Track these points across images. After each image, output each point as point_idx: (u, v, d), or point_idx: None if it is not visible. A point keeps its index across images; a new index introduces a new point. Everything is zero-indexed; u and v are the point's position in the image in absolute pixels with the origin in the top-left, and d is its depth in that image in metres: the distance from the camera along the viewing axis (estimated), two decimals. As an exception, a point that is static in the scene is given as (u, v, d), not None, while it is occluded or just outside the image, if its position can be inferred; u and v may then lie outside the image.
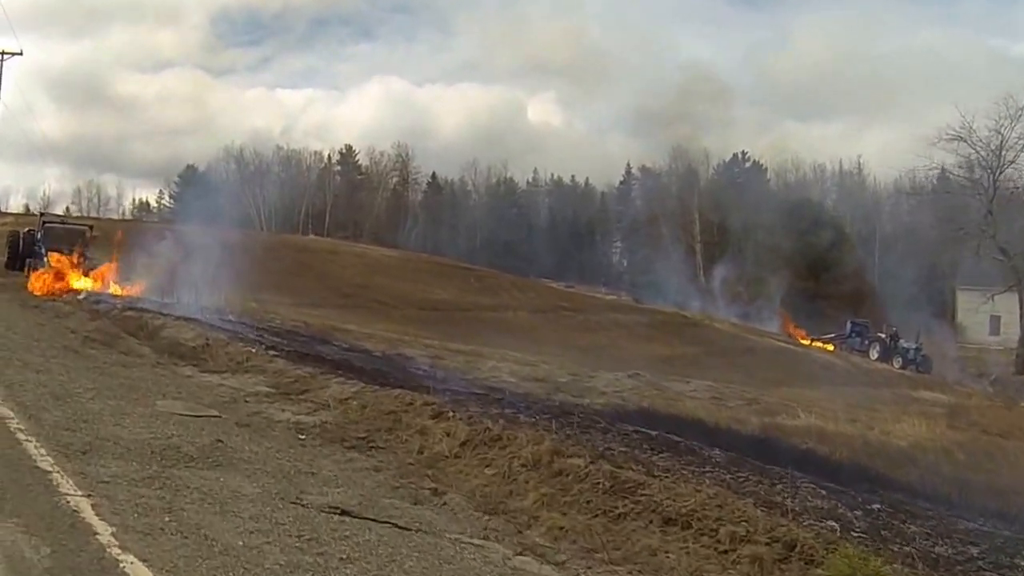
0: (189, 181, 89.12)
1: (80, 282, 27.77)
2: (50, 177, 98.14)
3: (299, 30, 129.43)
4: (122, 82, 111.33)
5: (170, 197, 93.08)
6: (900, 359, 42.14)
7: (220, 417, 8.98)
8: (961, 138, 46.54)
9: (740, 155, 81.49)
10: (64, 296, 25.19)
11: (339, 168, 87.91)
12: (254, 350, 14.35)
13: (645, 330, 36.85)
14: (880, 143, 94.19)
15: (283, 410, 10.13)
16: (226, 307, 23.25)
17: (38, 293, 25.97)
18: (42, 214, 35.00)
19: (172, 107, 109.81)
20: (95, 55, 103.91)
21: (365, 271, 37.93)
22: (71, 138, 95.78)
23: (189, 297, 24.91)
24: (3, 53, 41.18)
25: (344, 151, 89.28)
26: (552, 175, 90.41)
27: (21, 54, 41.36)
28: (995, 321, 55.89)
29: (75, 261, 30.16)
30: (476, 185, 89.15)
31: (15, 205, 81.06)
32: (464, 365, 17.53)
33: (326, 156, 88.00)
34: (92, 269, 28.84)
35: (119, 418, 8.21)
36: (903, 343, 43.31)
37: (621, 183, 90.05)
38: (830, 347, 46.46)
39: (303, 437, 9.04)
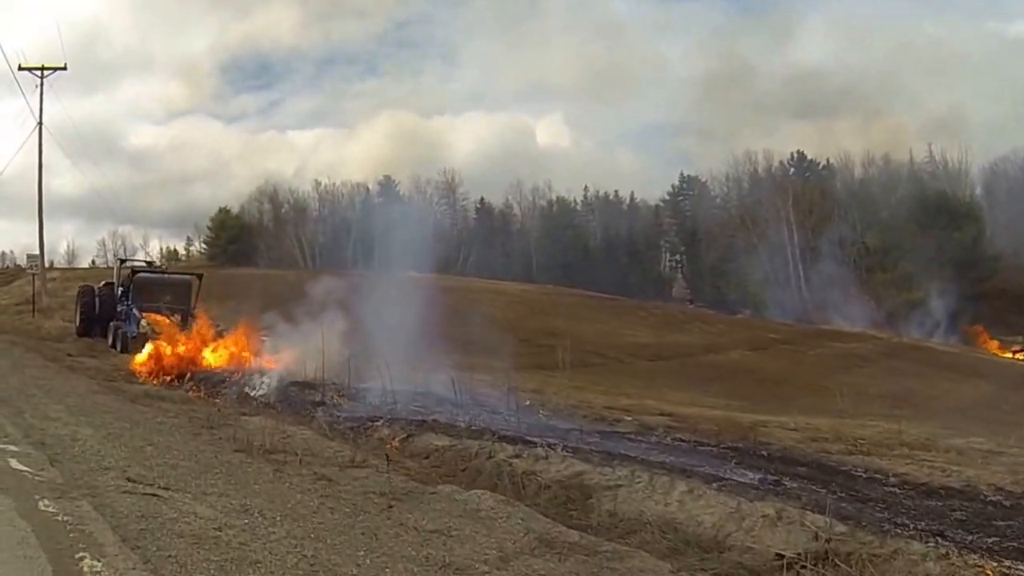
0: (224, 224, 78.16)
1: (212, 355, 17.05)
2: (69, 231, 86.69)
3: (306, 72, 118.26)
4: (135, 134, 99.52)
5: (203, 242, 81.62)
6: None
7: None
8: None
9: (796, 154, 71.89)
10: (193, 378, 14.58)
11: (381, 199, 77.25)
12: None
13: (893, 362, 26.67)
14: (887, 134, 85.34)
15: None
16: (505, 393, 12.67)
17: (151, 376, 15.32)
18: (123, 261, 23.96)
19: (186, 156, 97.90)
20: (107, 109, 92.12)
21: (528, 313, 27.39)
22: (85, 192, 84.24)
23: (396, 374, 14.00)
24: (43, 68, 30.29)
25: (383, 181, 78.81)
26: (598, 192, 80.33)
27: (65, 68, 30.44)
28: None
29: (189, 325, 19.56)
30: (523, 208, 78.98)
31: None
32: None
33: (367, 188, 77.67)
34: (222, 335, 18.06)
35: None
36: None
37: (670, 195, 79.96)
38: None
39: None
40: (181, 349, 17.23)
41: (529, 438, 9.03)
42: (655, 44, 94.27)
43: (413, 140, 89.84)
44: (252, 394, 12.39)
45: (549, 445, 8.64)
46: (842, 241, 56.32)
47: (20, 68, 29.89)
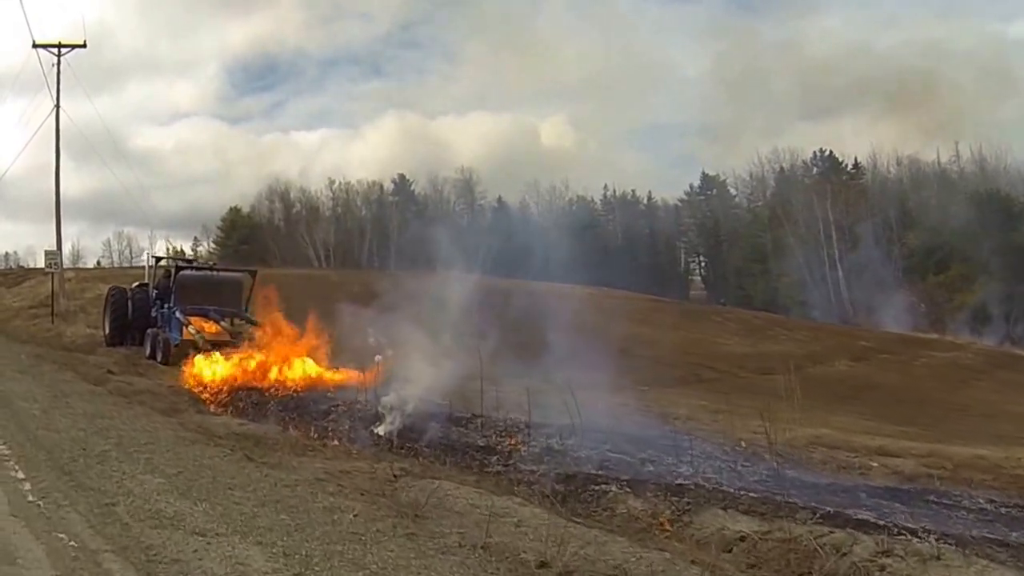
0: (235, 224, 74.40)
1: (288, 372, 13.61)
2: (72, 233, 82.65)
3: (311, 73, 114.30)
4: (140, 136, 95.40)
5: (212, 243, 77.69)
6: None
7: None
8: None
9: (819, 152, 68.64)
10: (279, 405, 11.19)
11: (396, 199, 73.87)
12: None
13: (1005, 373, 23.69)
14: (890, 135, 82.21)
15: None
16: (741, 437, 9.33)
17: (220, 402, 11.95)
18: (158, 259, 20.35)
19: (190, 157, 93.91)
20: (112, 111, 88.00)
21: (605, 319, 23.86)
22: (89, 193, 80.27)
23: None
24: (60, 45, 26.77)
25: (397, 180, 75.34)
26: (614, 191, 77.15)
27: (84, 46, 26.89)
28: None
29: (243, 331, 16.24)
30: (539, 207, 75.86)
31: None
32: None
33: (380, 187, 74.31)
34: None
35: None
36: None
37: (688, 194, 76.84)
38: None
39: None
40: (247, 365, 13.85)
41: (870, 518, 5.69)
42: (659, 44, 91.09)
43: (418, 140, 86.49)
44: (381, 432, 8.96)
45: (918, 535, 5.31)
46: (879, 241, 53.25)
47: (35, 45, 26.39)
